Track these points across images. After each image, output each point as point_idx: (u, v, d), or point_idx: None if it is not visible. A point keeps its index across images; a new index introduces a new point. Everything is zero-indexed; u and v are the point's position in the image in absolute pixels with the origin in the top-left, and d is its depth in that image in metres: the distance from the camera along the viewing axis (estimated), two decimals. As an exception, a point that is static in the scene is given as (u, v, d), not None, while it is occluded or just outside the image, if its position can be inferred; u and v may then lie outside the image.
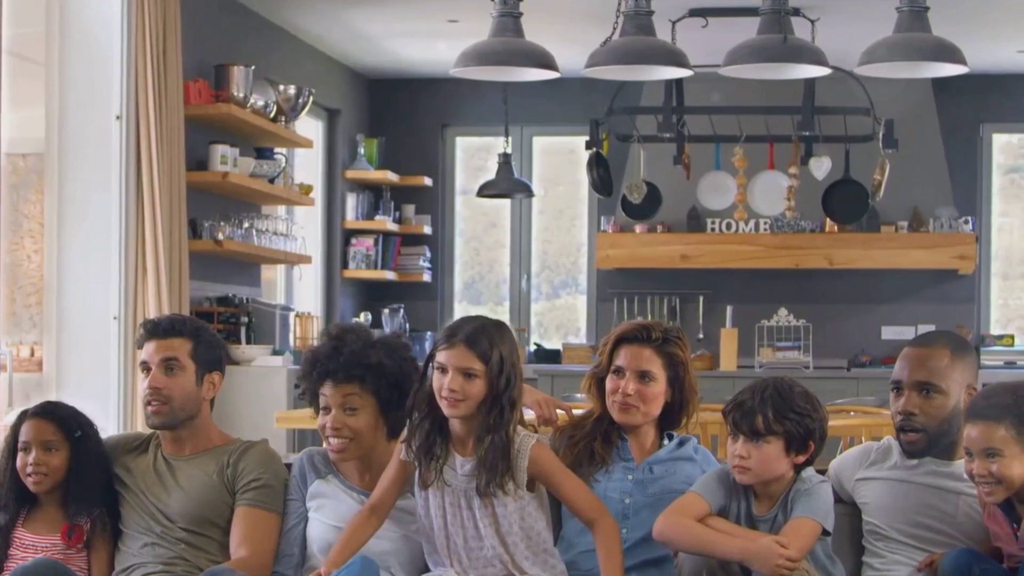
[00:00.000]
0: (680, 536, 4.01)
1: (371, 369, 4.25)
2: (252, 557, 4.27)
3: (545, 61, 6.71)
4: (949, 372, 4.15)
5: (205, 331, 4.53)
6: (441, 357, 3.99)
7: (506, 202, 11.96)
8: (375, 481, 4.24)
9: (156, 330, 4.47)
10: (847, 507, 4.31)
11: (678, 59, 6.65)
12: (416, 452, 4.04)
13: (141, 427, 7.28)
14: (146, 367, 4.44)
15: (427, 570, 4.14)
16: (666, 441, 4.40)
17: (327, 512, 4.32)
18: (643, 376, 4.31)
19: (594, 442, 4.35)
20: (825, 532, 4.03)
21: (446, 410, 3.98)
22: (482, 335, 3.99)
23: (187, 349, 4.45)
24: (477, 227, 12.59)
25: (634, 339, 4.35)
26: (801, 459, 4.04)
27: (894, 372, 4.22)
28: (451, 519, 4.03)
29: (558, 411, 4.62)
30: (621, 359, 4.34)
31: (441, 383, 3.97)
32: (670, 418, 4.40)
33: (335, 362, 4.26)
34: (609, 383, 4.35)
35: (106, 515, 4.44)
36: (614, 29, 6.77)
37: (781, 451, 4.01)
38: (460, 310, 12.34)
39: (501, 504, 3.98)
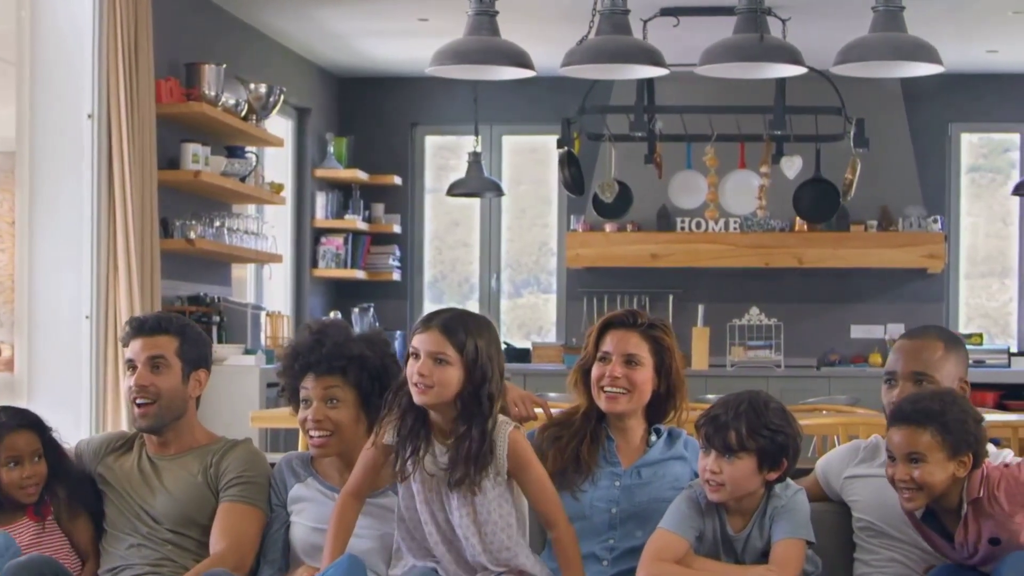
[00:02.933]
0: None
1: (353, 361, 4.24)
2: (229, 551, 4.24)
3: (521, 60, 6.71)
4: (942, 364, 4.17)
5: (191, 328, 4.51)
6: (415, 342, 3.96)
7: (475, 201, 11.95)
8: None
9: (142, 328, 4.44)
10: (835, 505, 4.32)
11: (654, 58, 6.66)
12: (399, 444, 4.00)
13: (112, 425, 7.29)
14: (132, 365, 4.41)
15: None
16: (653, 437, 4.35)
17: (308, 515, 4.31)
18: (630, 360, 4.25)
19: (581, 444, 4.30)
20: (808, 543, 4.03)
21: (416, 397, 3.94)
22: (459, 324, 3.96)
23: (173, 347, 4.42)
24: (446, 226, 12.56)
25: (620, 324, 4.31)
26: (773, 476, 3.99)
27: (888, 364, 4.25)
28: (434, 507, 4.01)
29: (536, 410, 4.61)
30: (607, 344, 4.29)
31: (413, 368, 3.94)
32: (657, 409, 4.35)
33: (317, 354, 4.25)
34: (595, 370, 4.29)
35: (57, 485, 4.39)
36: (590, 28, 6.76)
37: (754, 468, 3.96)
38: (429, 309, 12.28)
39: (482, 494, 3.96)
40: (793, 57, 6.71)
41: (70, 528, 4.40)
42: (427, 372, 3.92)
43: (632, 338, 4.29)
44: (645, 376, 4.28)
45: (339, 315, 11.33)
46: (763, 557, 4.01)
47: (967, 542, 3.85)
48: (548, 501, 4.04)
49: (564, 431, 4.36)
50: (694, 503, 4.06)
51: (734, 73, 6.95)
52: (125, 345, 4.46)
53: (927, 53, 6.59)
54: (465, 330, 3.95)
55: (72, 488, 4.41)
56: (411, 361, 3.95)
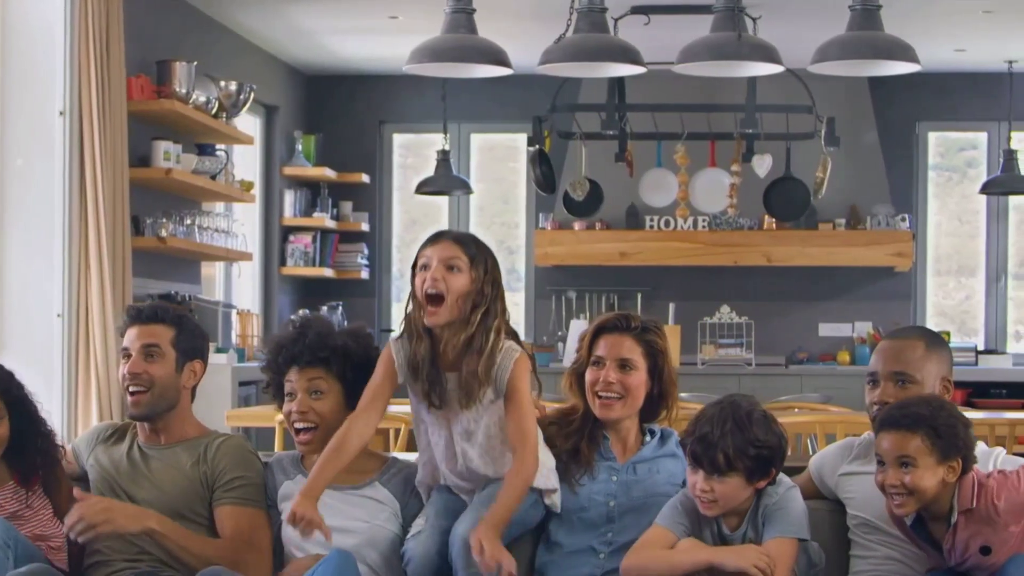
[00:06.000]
0: (649, 563, 3.99)
1: (336, 352, 4.28)
2: (257, 557, 4.26)
3: (499, 58, 6.72)
4: (923, 363, 4.17)
5: (188, 320, 4.53)
6: (426, 253, 4.07)
7: (443, 199, 11.94)
8: (342, 477, 4.22)
9: (139, 316, 4.45)
10: (830, 503, 4.32)
11: (632, 56, 6.67)
12: (416, 379, 4.10)
13: (83, 424, 7.24)
14: (127, 353, 4.42)
15: (400, 559, 4.17)
16: (648, 437, 4.37)
17: (297, 512, 4.31)
18: (623, 365, 4.26)
19: (580, 441, 4.30)
20: (802, 539, 4.04)
21: (427, 318, 4.02)
22: (470, 239, 4.12)
23: (169, 336, 4.42)
24: (414, 224, 12.54)
25: (614, 328, 4.32)
26: (763, 484, 4.02)
27: (870, 365, 4.26)
28: (441, 428, 4.14)
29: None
30: (601, 349, 4.30)
31: (423, 278, 4.02)
32: (650, 410, 4.37)
33: (300, 346, 4.30)
34: (589, 375, 4.30)
35: (48, 452, 4.39)
36: (568, 26, 6.77)
37: (743, 482, 3.99)
38: (398, 307, 12.31)
39: (478, 416, 4.08)
40: (770, 56, 6.74)
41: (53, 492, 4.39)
42: (439, 276, 4.01)
43: (626, 342, 4.30)
44: (639, 380, 4.29)
45: (307, 313, 11.29)
46: None
47: (955, 550, 3.86)
48: (520, 431, 4.07)
49: (564, 428, 4.37)
50: (689, 504, 4.09)
51: (712, 71, 6.96)
52: (121, 334, 4.47)
53: (904, 52, 6.62)
54: (476, 245, 4.10)
55: (46, 449, 4.40)
56: (420, 275, 4.05)
